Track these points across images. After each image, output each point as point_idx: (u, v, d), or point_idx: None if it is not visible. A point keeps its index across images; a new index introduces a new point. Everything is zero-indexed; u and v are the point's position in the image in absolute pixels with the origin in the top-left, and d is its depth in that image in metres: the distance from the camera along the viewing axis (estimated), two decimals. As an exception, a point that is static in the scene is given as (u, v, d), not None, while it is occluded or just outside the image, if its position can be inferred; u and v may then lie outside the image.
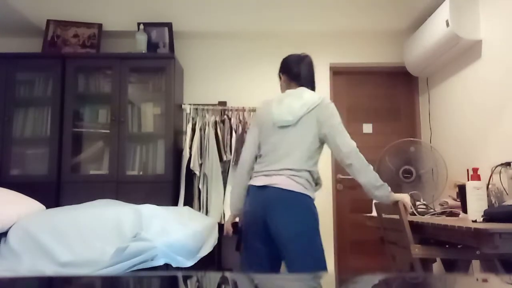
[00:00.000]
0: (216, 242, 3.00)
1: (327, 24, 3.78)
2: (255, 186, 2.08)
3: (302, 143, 2.04)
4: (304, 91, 2.14)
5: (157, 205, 2.56)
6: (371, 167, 2.04)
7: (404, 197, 2.13)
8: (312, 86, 2.22)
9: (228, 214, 3.36)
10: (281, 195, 1.99)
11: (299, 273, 0.62)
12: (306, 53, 2.27)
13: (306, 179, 2.02)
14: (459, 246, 2.23)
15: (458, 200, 2.61)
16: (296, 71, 2.21)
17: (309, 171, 2.05)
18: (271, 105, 2.17)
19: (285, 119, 2.07)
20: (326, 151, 2.23)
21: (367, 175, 2.01)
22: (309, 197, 2.03)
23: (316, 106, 2.07)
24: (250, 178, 2.17)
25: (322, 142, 2.10)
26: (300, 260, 1.97)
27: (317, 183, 2.14)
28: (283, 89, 2.25)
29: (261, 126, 2.19)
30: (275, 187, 2.00)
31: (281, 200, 1.99)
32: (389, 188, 2.05)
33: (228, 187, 3.44)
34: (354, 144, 2.05)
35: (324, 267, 2.02)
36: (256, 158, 2.21)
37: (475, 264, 2.73)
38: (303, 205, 2.00)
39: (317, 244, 2.02)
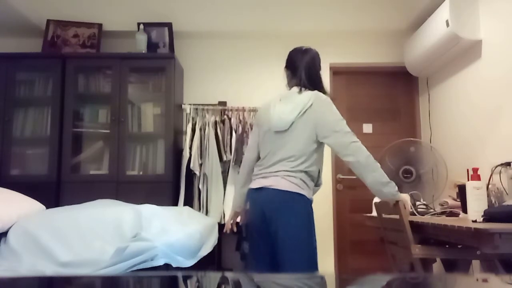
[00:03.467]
0: (216, 242, 3.00)
1: (327, 24, 3.78)
2: (253, 189, 2.12)
3: (296, 146, 2.04)
4: (297, 93, 2.09)
5: (157, 205, 2.56)
6: (378, 164, 2.00)
7: (406, 197, 2.12)
8: (312, 83, 2.14)
9: (227, 214, 3.38)
10: (276, 196, 2.01)
11: (298, 273, 0.62)
12: (311, 47, 2.21)
13: (300, 179, 2.02)
14: (459, 246, 2.23)
15: (458, 200, 2.61)
16: (295, 66, 2.17)
17: (305, 172, 2.04)
18: (268, 108, 2.18)
19: (278, 125, 2.08)
20: (326, 150, 2.23)
21: (374, 172, 1.97)
22: (305, 196, 2.02)
23: (308, 108, 2.03)
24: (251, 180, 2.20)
25: (320, 142, 2.07)
26: (289, 260, 1.99)
27: (317, 183, 2.13)
28: (287, 86, 2.23)
29: (260, 128, 2.21)
30: (270, 188, 2.03)
31: (276, 201, 2.01)
32: (396, 187, 2.03)
33: (228, 187, 3.44)
34: (355, 140, 2.00)
35: (314, 269, 2.01)
36: (254, 158, 2.25)
37: (475, 264, 2.73)
38: (297, 205, 2.01)
39: (308, 245, 2.01)
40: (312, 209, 2.07)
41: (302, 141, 2.03)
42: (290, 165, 2.03)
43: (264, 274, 0.62)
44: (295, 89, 2.12)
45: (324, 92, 2.14)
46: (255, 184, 2.11)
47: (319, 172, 2.12)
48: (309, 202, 2.05)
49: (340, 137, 2.00)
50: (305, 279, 0.60)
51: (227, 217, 3.35)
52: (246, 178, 2.26)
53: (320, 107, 2.04)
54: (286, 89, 2.22)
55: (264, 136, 2.16)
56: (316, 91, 2.09)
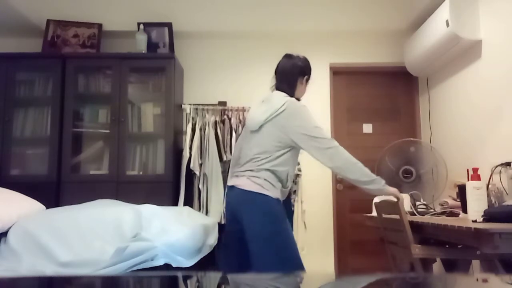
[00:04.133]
0: (216, 242, 2.99)
1: (327, 24, 3.78)
2: (228, 186, 2.21)
3: (263, 147, 2.08)
4: (274, 96, 2.16)
5: (157, 205, 2.56)
6: (358, 164, 2.04)
7: (394, 190, 2.14)
8: (287, 86, 2.20)
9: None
10: (241, 196, 2.07)
11: (298, 273, 0.62)
12: (302, 55, 2.27)
13: (265, 179, 2.04)
14: (459, 246, 2.23)
15: (458, 200, 2.61)
16: (276, 69, 2.26)
17: (270, 171, 2.06)
18: (252, 108, 2.26)
19: (250, 125, 2.16)
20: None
21: (355, 174, 2.03)
22: (268, 196, 2.04)
23: (279, 113, 2.07)
24: None
25: (291, 147, 2.10)
26: (257, 259, 2.01)
27: (285, 185, 2.12)
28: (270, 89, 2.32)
29: (245, 128, 2.29)
30: (238, 188, 2.09)
31: (242, 201, 2.07)
32: (383, 181, 2.07)
33: (228, 187, 3.45)
34: (331, 146, 2.02)
35: (294, 266, 2.01)
36: None
37: (475, 264, 2.73)
38: (259, 205, 2.03)
39: (277, 244, 2.01)
40: (279, 208, 2.07)
41: (268, 142, 2.08)
42: (256, 164, 2.08)
43: (260, 275, 0.62)
44: (276, 92, 2.19)
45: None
46: (229, 182, 2.21)
47: (288, 174, 2.13)
48: (273, 201, 2.06)
49: (315, 144, 2.03)
50: (304, 279, 0.60)
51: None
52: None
53: (292, 115, 2.08)
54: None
55: (244, 135, 2.25)
56: (292, 98, 2.14)
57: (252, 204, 2.04)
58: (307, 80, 2.28)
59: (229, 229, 2.20)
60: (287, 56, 2.26)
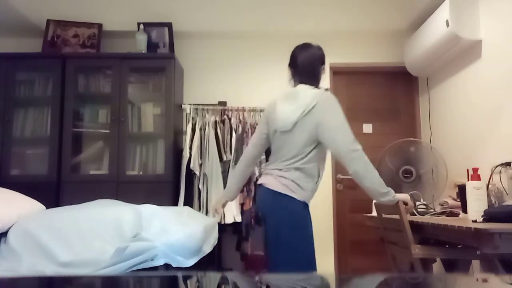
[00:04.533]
0: (216, 242, 2.99)
1: (327, 24, 3.78)
2: (258, 184, 2.16)
3: (296, 147, 2.02)
4: (300, 91, 2.05)
5: (157, 205, 2.56)
6: (376, 173, 1.95)
7: (405, 196, 2.10)
8: (312, 80, 2.10)
9: (227, 214, 3.38)
10: (267, 195, 2.04)
11: (298, 274, 0.62)
12: (315, 43, 2.17)
13: (292, 181, 1.99)
14: (459, 246, 2.23)
15: (458, 200, 2.61)
16: (294, 62, 2.14)
17: (300, 169, 2.01)
18: (274, 107, 2.14)
19: (282, 125, 2.06)
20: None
21: (373, 182, 1.93)
22: (294, 199, 1.98)
23: (312, 108, 1.98)
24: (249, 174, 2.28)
25: (319, 141, 2.02)
26: (272, 261, 1.99)
27: (316, 179, 2.06)
28: (290, 83, 2.19)
29: (269, 127, 2.18)
30: (264, 187, 2.06)
31: (267, 200, 2.04)
32: (393, 193, 1.99)
33: (228, 187, 3.44)
34: (355, 149, 1.93)
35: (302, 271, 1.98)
36: (255, 155, 2.26)
37: (475, 264, 2.73)
38: (284, 207, 1.99)
39: (295, 250, 1.97)
40: (303, 212, 2.01)
41: (301, 142, 2.01)
42: (285, 163, 2.03)
43: (263, 275, 0.62)
44: (300, 86, 2.07)
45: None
46: (260, 180, 2.15)
47: (319, 169, 2.07)
48: (300, 204, 1.99)
49: (340, 144, 1.95)
50: (304, 279, 0.60)
51: (227, 217, 3.36)
52: (243, 170, 2.26)
53: (323, 110, 1.99)
54: (289, 86, 2.17)
55: (273, 135, 2.15)
56: (321, 90, 2.05)
57: (279, 204, 1.99)
58: (324, 68, 2.20)
59: (257, 222, 2.12)
60: (304, 46, 2.14)
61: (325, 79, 3.88)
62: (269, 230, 2.01)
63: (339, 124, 1.97)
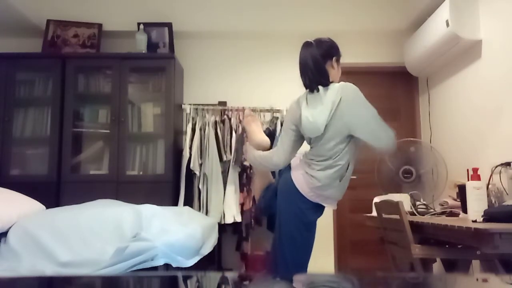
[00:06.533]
0: (216, 242, 3.00)
1: (327, 24, 3.78)
2: (289, 167, 2.15)
3: (330, 149, 1.96)
4: (320, 93, 1.96)
5: (157, 205, 2.56)
6: (394, 139, 2.05)
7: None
8: (322, 78, 2.00)
9: (227, 214, 3.38)
10: (285, 183, 2.07)
11: (299, 274, 0.62)
12: (325, 38, 2.16)
13: (313, 176, 1.98)
14: (459, 246, 2.23)
15: (458, 200, 2.61)
16: (299, 67, 2.07)
17: (330, 166, 1.96)
18: (300, 111, 2.02)
19: (312, 133, 1.97)
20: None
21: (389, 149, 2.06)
22: (305, 198, 2.01)
23: (337, 105, 1.91)
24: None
25: (351, 135, 1.97)
26: (273, 251, 2.06)
27: (342, 177, 2.02)
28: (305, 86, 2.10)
29: (299, 128, 2.07)
30: (289, 173, 2.09)
31: (282, 188, 2.09)
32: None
33: (228, 187, 3.44)
34: (386, 135, 2.00)
35: (294, 268, 1.99)
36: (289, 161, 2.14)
37: (475, 264, 2.73)
38: (292, 202, 2.03)
39: (291, 246, 2.01)
40: (309, 213, 2.04)
41: (333, 142, 1.95)
42: (313, 161, 1.99)
43: (261, 275, 0.62)
44: (318, 89, 1.98)
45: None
46: (293, 168, 2.10)
47: (349, 164, 2.01)
48: (309, 204, 2.01)
49: (374, 133, 1.97)
50: (305, 280, 0.60)
51: (227, 217, 3.36)
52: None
53: (350, 103, 1.93)
54: (306, 92, 2.07)
55: (306, 137, 2.07)
56: (340, 84, 1.98)
57: (289, 195, 2.02)
58: (337, 60, 2.13)
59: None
60: (302, 47, 2.10)
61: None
62: (277, 217, 2.06)
63: (369, 115, 1.96)
